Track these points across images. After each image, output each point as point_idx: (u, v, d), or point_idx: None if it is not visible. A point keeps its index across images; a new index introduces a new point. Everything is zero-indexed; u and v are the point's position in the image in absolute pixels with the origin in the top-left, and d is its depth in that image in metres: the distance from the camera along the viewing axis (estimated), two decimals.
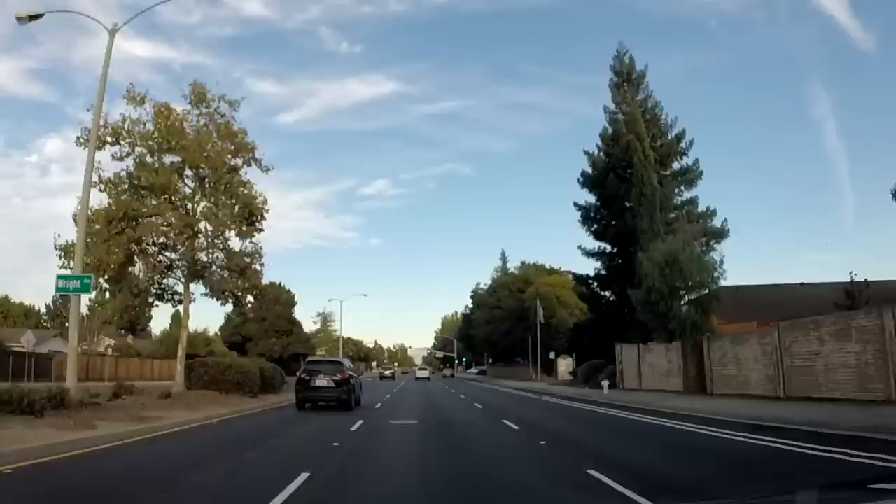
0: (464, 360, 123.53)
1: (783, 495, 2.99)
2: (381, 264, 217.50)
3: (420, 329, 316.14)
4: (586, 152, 43.51)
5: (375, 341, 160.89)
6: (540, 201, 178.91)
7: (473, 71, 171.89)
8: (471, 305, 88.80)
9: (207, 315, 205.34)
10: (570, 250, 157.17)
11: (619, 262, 40.44)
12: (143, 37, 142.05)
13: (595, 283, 42.68)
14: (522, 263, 79.01)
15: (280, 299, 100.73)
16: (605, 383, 33.38)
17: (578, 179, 43.21)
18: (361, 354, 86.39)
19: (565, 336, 62.95)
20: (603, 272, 41.95)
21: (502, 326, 68.90)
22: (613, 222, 40.76)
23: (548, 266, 77.75)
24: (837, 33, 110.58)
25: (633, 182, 37.32)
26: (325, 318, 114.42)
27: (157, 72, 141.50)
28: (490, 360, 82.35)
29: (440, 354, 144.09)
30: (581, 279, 42.81)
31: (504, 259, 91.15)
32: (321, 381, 20.63)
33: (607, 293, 42.29)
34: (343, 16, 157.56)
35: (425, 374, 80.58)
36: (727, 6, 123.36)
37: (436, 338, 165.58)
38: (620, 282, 39.63)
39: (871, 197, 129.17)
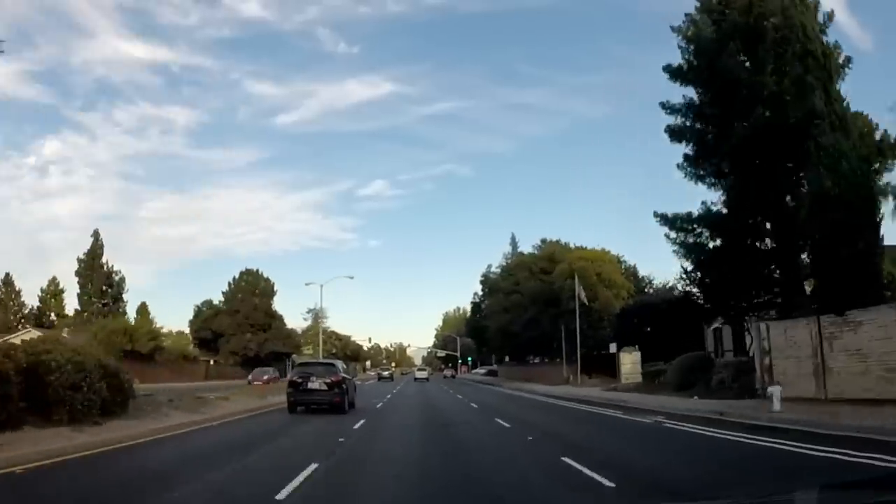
0: (469, 359, 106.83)
1: (783, 495, 2.80)
2: (380, 266, 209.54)
3: (420, 329, 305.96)
4: (674, 28, 27.02)
5: (370, 338, 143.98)
6: (540, 200, 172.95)
7: (471, 72, 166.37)
8: (480, 292, 72.40)
9: (175, 308, 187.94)
10: (596, 234, 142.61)
11: (746, 190, 23.88)
12: (141, 38, 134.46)
13: (698, 227, 25.90)
14: (543, 241, 62.56)
15: (256, 289, 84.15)
16: (777, 390, 16.84)
17: (665, 69, 26.69)
18: (348, 352, 69.67)
19: (610, 324, 46.49)
20: (717, 208, 25.22)
21: (524, 315, 52.40)
22: (729, 131, 24.16)
23: (572, 245, 61.24)
24: (835, 31, 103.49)
25: (789, 41, 20.83)
26: (317, 315, 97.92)
27: (155, 73, 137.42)
28: (507, 358, 66.03)
29: (441, 353, 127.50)
30: (682, 223, 25.69)
31: (514, 243, 74.66)
32: (313, 384, 19.06)
33: (716, 241, 25.69)
34: (341, 17, 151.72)
35: (424, 374, 77.59)
36: None
37: (436, 336, 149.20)
38: (751, 219, 23.23)
39: None
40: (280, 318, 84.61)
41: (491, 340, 60.64)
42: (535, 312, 50.32)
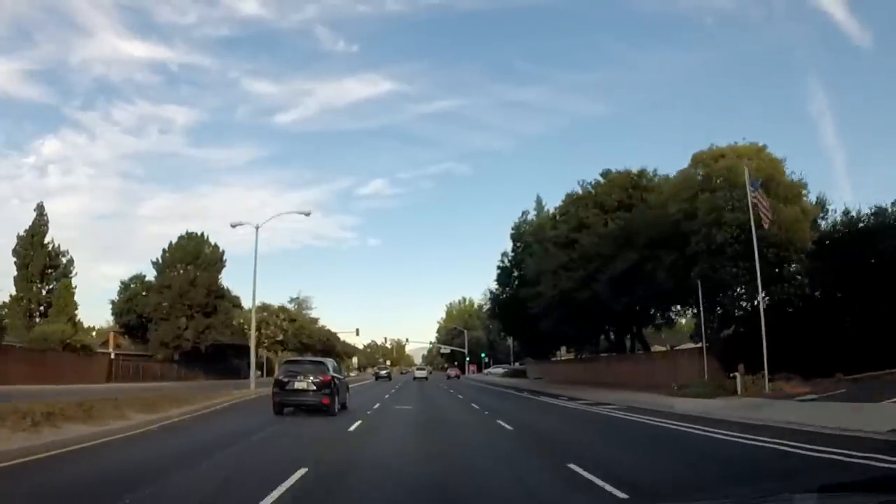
0: (483, 355, 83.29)
1: (783, 495, 2.84)
2: (379, 264, 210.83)
3: (419, 328, 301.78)
4: None
5: (357, 329, 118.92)
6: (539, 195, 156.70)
7: (470, 70, 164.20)
8: (511, 252, 47.84)
9: (96, 283, 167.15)
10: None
11: None
12: (139, 37, 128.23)
13: None
14: (605, 174, 38.61)
15: (198, 256, 60.34)
16: None
17: None
18: (304, 339, 45.35)
19: (803, 267, 22.83)
20: None
21: (608, 270, 28.44)
22: None
23: (648, 175, 37.13)
24: (832, 28, 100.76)
25: None
26: (301, 303, 73.38)
27: (154, 72, 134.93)
28: (564, 348, 42.52)
29: (446, 349, 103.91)
30: None
31: (540, 205, 50.41)
32: (300, 384, 17.77)
33: None
34: (339, 15, 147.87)
35: (423, 373, 74.69)
36: (723, 4, 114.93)
37: (438, 330, 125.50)
38: None
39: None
40: (232, 299, 60.55)
41: (535, 322, 36.26)
42: (638, 259, 26.42)
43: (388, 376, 70.23)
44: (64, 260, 69.33)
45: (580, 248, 31.85)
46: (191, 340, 56.14)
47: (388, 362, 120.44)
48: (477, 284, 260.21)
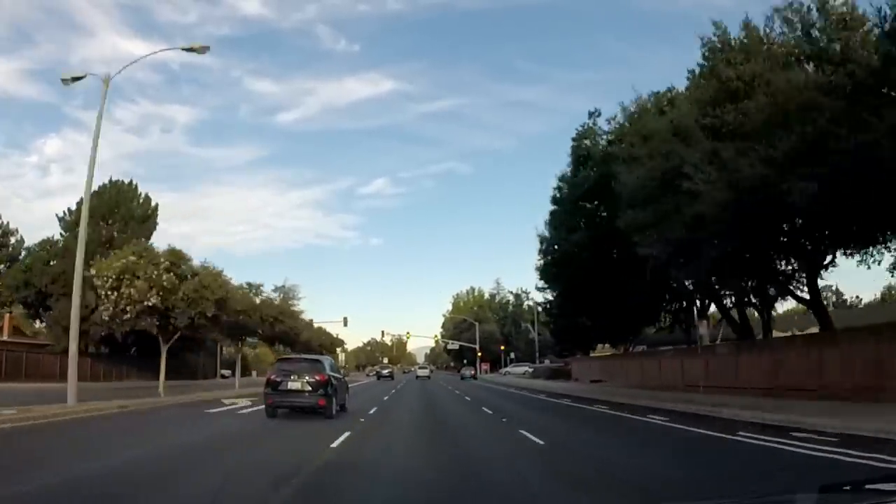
0: (508, 350, 67.20)
1: (783, 495, 2.96)
2: (381, 263, 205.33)
3: (421, 327, 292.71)
4: None
5: (345, 318, 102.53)
6: (539, 197, 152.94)
7: (470, 69, 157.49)
8: (570, 175, 30.47)
9: None
10: None
11: None
12: (140, 36, 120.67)
13: None
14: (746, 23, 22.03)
15: (117, 208, 43.59)
16: None
17: None
18: (209, 309, 27.63)
19: None
20: None
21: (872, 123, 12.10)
22: None
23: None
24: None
25: None
26: (287, 294, 56.02)
27: (155, 71, 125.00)
28: (715, 315, 25.47)
29: (454, 345, 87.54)
30: None
31: (595, 118, 31.16)
32: (294, 384, 16.45)
33: None
34: (340, 14, 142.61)
35: (425, 372, 74.05)
36: (722, 1, 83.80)
37: (443, 324, 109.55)
38: None
39: None
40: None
41: (674, 258, 18.39)
42: None
43: (391, 375, 66.72)
44: (13, 240, 55.65)
45: (758, 111, 15.31)
46: (102, 325, 39.95)
47: (387, 360, 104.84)
48: (481, 280, 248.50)
